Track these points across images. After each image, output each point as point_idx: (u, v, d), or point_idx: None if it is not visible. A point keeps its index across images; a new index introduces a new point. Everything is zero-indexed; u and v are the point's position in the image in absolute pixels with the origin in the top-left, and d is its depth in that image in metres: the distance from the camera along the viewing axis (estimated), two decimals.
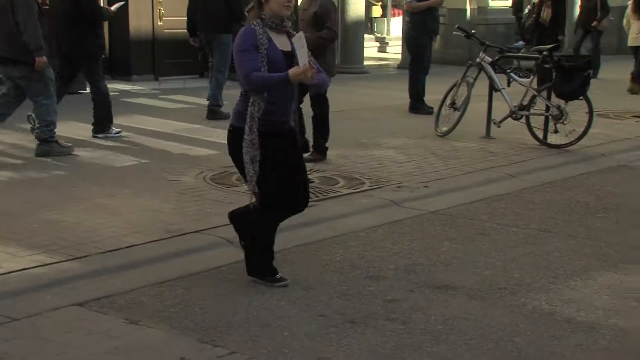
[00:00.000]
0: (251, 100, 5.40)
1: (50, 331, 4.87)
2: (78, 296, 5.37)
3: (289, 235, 6.72)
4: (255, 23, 5.47)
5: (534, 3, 15.56)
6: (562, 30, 16.36)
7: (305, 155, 7.91)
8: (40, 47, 8.79)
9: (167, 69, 16.56)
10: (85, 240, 6.34)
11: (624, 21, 17.06)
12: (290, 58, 5.44)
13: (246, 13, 6.61)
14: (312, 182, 8.30)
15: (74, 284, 5.56)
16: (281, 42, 5.52)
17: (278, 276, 5.72)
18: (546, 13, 15.56)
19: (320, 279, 5.87)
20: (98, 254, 6.08)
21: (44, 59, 8.86)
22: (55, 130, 9.34)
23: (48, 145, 9.27)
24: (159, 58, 16.48)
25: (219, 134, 10.80)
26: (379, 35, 25.96)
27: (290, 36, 5.57)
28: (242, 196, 7.76)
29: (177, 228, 6.76)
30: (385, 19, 26.12)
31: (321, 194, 7.98)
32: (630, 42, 16.97)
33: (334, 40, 9.37)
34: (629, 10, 17.00)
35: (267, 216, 5.75)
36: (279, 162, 5.58)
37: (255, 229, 5.77)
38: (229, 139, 5.69)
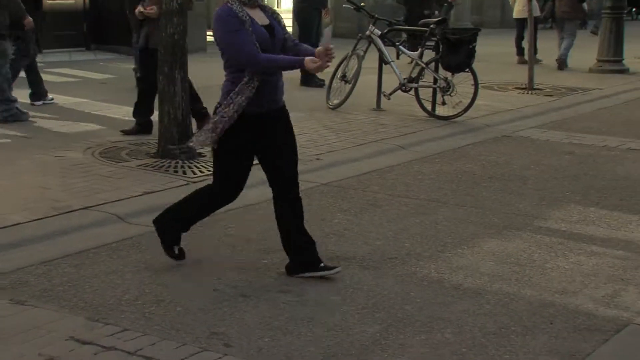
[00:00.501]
0: (246, 80, 5.19)
1: None
2: None
3: None
4: (230, 1, 5.23)
5: None
6: (428, 5, 16.36)
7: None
8: None
9: (52, 42, 16.19)
10: None
11: None
12: (271, 32, 5.31)
13: None
14: (204, 156, 8.28)
15: None
16: (259, 17, 5.33)
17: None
18: None
19: (214, 253, 5.86)
20: None
21: None
22: None
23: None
24: (43, 29, 16.09)
25: (109, 108, 10.70)
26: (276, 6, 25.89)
27: (262, 9, 5.40)
28: (133, 171, 7.69)
29: (64, 205, 6.62)
30: None
31: (212, 168, 7.92)
32: (516, 15, 17.51)
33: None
34: None
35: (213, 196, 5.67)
36: (265, 145, 5.48)
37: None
38: None
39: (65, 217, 6.40)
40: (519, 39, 17.95)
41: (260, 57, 5.16)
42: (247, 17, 5.19)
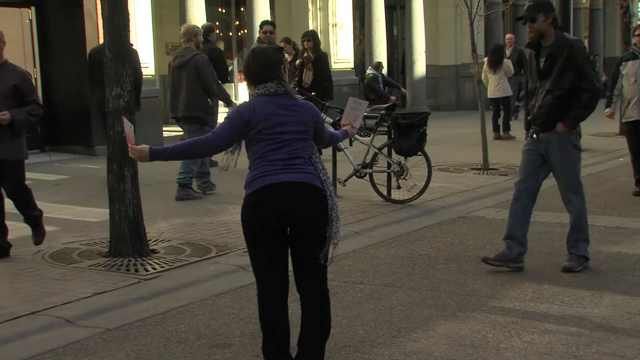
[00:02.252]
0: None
1: None
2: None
3: (129, 310, 6.63)
4: None
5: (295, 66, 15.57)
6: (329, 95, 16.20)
7: None
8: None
9: None
10: None
11: (482, 76, 17.87)
12: None
13: None
14: (158, 252, 8.25)
15: None
16: None
17: None
18: (307, 76, 15.30)
19: (163, 352, 5.77)
20: None
21: None
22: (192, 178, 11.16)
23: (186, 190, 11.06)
24: None
25: (61, 209, 10.64)
26: None
27: None
28: (83, 272, 7.63)
29: (9, 312, 6.52)
30: (233, 84, 26.28)
31: (166, 264, 7.89)
32: (490, 94, 18.55)
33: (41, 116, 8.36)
34: (485, 67, 18.59)
35: None
36: None
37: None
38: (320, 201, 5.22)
39: (10, 323, 6.30)
40: (496, 117, 18.71)
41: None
42: None
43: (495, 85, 18.61)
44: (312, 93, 12.70)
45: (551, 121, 7.51)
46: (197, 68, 11.21)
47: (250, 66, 5.22)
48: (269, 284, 5.16)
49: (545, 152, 7.68)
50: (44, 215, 10.12)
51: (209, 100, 11.53)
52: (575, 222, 7.81)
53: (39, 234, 8.56)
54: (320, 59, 14.84)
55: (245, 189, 5.20)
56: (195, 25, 12.72)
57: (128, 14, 8.34)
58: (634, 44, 11.22)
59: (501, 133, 18.69)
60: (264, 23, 14.56)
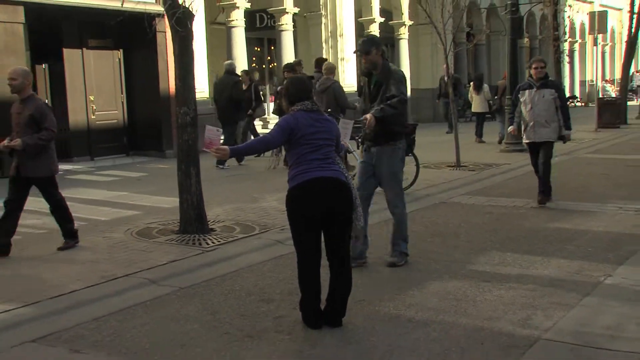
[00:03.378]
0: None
1: None
2: (32, 334, 5.09)
3: (196, 274, 6.61)
4: None
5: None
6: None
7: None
8: None
9: (102, 151, 16.23)
10: (37, 289, 6.06)
11: (469, 96, 18.53)
12: None
13: None
14: (215, 230, 8.22)
15: (28, 325, 5.29)
16: None
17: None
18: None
19: (223, 305, 5.74)
20: (47, 299, 5.80)
21: None
22: None
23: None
24: (94, 142, 16.16)
25: (140, 198, 10.63)
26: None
27: None
28: (161, 245, 7.61)
29: (109, 274, 6.53)
30: (265, 103, 26.22)
31: (222, 239, 7.86)
32: (474, 109, 19.48)
33: (53, 139, 7.38)
34: (471, 89, 19.51)
35: None
36: None
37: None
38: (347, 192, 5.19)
39: (111, 283, 6.30)
40: (478, 127, 19.12)
41: None
42: None
43: (478, 103, 18.97)
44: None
45: (380, 137, 6.62)
46: (335, 90, 12.51)
47: (291, 89, 5.29)
48: (308, 256, 5.13)
49: (375, 164, 6.77)
50: (129, 202, 10.16)
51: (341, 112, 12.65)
52: (398, 225, 6.91)
53: (67, 244, 7.64)
54: None
55: (289, 182, 5.18)
56: (332, 63, 14.40)
57: (192, 52, 8.30)
58: (530, 76, 9.89)
59: (478, 139, 18.99)
60: (284, 67, 14.27)
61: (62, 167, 14.34)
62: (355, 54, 7.36)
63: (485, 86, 19.36)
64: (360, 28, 23.57)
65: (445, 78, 19.83)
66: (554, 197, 10.02)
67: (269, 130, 5.67)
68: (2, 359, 4.71)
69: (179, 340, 4.93)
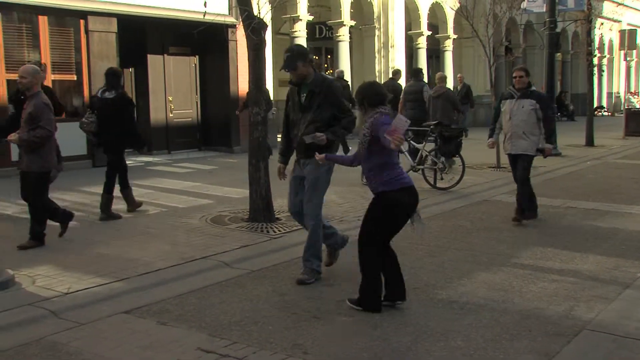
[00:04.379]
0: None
1: (106, 332, 4.64)
2: (124, 306, 5.13)
3: (265, 258, 6.57)
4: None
5: None
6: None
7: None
8: None
9: (177, 145, 16.36)
10: (127, 266, 6.10)
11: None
12: None
13: None
14: (281, 220, 8.17)
15: (121, 298, 5.33)
16: None
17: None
18: None
19: (290, 288, 5.68)
20: (136, 276, 5.84)
21: None
22: None
23: None
24: (171, 137, 16.30)
25: (215, 190, 10.67)
26: None
27: None
28: (232, 231, 7.60)
29: (189, 256, 6.53)
30: None
31: (287, 228, 7.81)
32: None
33: (50, 138, 6.83)
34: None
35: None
36: None
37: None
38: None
39: (190, 264, 6.30)
40: None
41: None
42: None
43: None
44: None
45: (312, 148, 5.64)
46: (448, 96, 13.03)
47: (368, 93, 5.13)
48: (381, 246, 5.11)
49: (306, 176, 5.85)
50: (203, 192, 10.20)
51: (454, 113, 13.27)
52: (311, 240, 5.85)
53: (29, 243, 6.91)
54: None
55: (382, 184, 5.03)
56: (443, 73, 15.06)
57: (264, 59, 8.27)
58: (513, 85, 8.36)
59: None
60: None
61: (144, 159, 14.60)
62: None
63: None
64: (410, 40, 23.32)
65: (458, 87, 19.51)
66: (541, 217, 8.66)
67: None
68: (99, 326, 4.74)
69: (252, 318, 4.89)
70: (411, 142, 11.42)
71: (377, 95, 5.10)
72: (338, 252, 6.31)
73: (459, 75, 20.18)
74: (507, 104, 8.35)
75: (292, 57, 5.80)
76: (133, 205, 8.85)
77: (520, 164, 8.34)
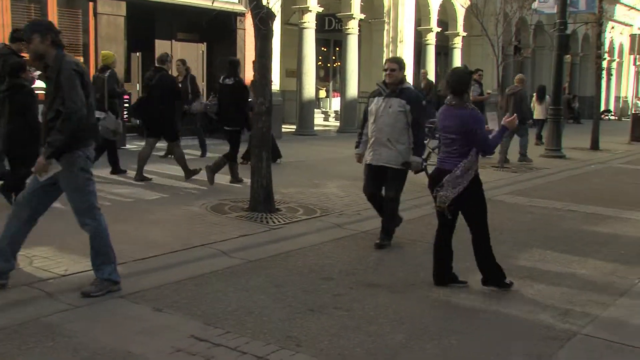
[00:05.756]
0: (474, 159, 5.59)
1: (101, 315, 4.65)
2: (120, 291, 5.12)
3: (263, 249, 6.56)
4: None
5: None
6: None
7: None
8: None
9: (186, 131, 16.32)
10: (125, 251, 6.08)
11: (532, 105, 18.51)
12: None
13: None
14: (281, 211, 8.17)
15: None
16: None
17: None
18: None
19: (287, 280, 5.68)
20: (133, 261, 5.84)
21: None
22: None
23: None
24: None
25: (216, 178, 10.66)
26: (324, 109, 25.95)
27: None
28: (232, 220, 7.60)
29: (188, 242, 6.54)
30: (328, 98, 26.12)
31: (287, 219, 7.82)
32: (536, 116, 18.76)
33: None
34: (534, 99, 19.01)
35: None
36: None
37: None
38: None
39: (188, 251, 6.30)
40: (539, 131, 19.22)
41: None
42: None
43: (540, 111, 18.59)
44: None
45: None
46: (520, 95, 13.79)
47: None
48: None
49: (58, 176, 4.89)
50: (205, 179, 10.17)
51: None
52: (94, 245, 5.03)
53: None
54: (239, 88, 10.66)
55: (470, 170, 5.51)
56: (522, 74, 15.57)
57: (271, 49, 8.25)
58: (383, 81, 6.74)
59: (537, 141, 18.84)
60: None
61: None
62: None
63: (547, 97, 18.76)
64: (419, 36, 23.26)
65: (422, 84, 19.16)
66: (542, 219, 8.44)
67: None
68: (94, 310, 4.75)
69: (248, 308, 4.90)
70: None
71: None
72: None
73: (422, 71, 19.81)
74: (374, 102, 6.73)
75: (28, 28, 4.89)
76: (236, 178, 10.18)
77: (391, 184, 6.85)
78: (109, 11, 13.56)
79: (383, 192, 6.98)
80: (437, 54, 24.68)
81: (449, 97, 5.46)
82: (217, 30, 15.81)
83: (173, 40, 15.94)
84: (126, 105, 12.21)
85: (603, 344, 4.53)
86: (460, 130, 5.32)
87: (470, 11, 16.14)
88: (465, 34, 24.95)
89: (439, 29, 23.67)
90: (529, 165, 14.07)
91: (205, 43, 16.63)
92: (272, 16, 8.02)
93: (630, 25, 36.40)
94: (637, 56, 23.53)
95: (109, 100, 10.14)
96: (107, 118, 9.97)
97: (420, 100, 6.84)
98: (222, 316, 4.71)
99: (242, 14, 15.61)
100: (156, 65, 10.49)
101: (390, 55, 21.86)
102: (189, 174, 10.32)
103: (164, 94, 10.07)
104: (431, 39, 23.23)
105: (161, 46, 15.71)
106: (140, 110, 10.60)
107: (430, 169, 10.79)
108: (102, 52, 10.75)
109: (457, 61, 24.68)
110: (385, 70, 6.63)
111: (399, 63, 6.68)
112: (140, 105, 10.71)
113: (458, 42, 24.93)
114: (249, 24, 12.77)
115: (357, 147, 7.08)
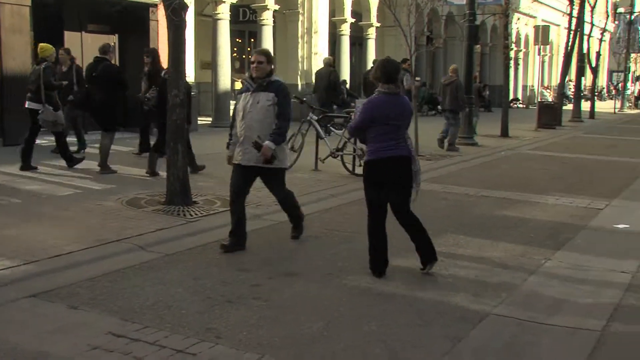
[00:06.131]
0: None
1: (12, 315, 4.50)
2: (32, 290, 4.96)
3: (180, 242, 6.49)
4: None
5: None
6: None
7: None
8: None
9: (92, 126, 15.87)
10: (37, 249, 5.89)
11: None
12: None
13: None
14: (198, 203, 8.08)
15: (29, 281, 5.16)
16: None
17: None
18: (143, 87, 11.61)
19: (205, 272, 5.63)
20: (46, 259, 5.66)
21: None
22: None
23: None
24: (87, 118, 15.77)
25: (129, 171, 10.43)
26: None
27: None
28: (149, 214, 7.47)
29: (102, 238, 6.38)
30: None
31: (204, 211, 7.74)
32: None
33: None
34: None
35: None
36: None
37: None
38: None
39: (104, 247, 6.16)
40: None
41: None
42: None
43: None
44: (304, 99, 12.40)
45: None
46: (456, 85, 14.94)
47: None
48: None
49: None
50: (122, 175, 9.92)
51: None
52: None
53: None
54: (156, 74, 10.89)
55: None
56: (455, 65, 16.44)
57: (184, 40, 8.13)
58: (250, 75, 6.38)
59: None
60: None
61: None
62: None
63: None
64: (333, 27, 23.39)
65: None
66: (456, 205, 8.63)
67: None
68: (4, 310, 4.58)
69: (165, 302, 4.83)
70: (331, 128, 11.51)
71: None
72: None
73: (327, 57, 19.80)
74: (241, 100, 6.34)
75: None
76: (153, 170, 10.08)
77: (273, 187, 6.64)
78: (12, 1, 12.99)
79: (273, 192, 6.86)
80: (352, 44, 24.89)
81: (387, 86, 5.56)
82: (130, 22, 15.44)
83: (83, 32, 15.45)
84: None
85: (513, 322, 4.72)
86: (406, 116, 5.72)
87: (383, 2, 16.36)
88: (379, 24, 25.26)
89: (353, 20, 23.87)
90: (442, 153, 14.43)
91: (117, 35, 16.20)
92: (184, 7, 7.90)
93: (535, 17, 37.78)
94: (541, 46, 24.48)
95: (45, 92, 9.92)
96: (45, 110, 9.95)
97: (287, 91, 6.43)
98: (139, 311, 4.63)
99: (155, 5, 15.28)
100: (99, 55, 10.73)
101: (305, 46, 21.94)
102: (105, 168, 10.12)
103: (108, 84, 10.28)
104: (345, 29, 23.40)
105: (70, 38, 15.21)
106: (87, 103, 10.66)
107: (347, 159, 10.97)
108: (40, 44, 10.49)
109: (371, 52, 24.97)
110: (252, 63, 6.26)
111: (266, 55, 6.33)
112: (88, 97, 10.91)
113: (372, 32, 25.22)
114: (161, 15, 12.51)
115: (227, 147, 6.57)
